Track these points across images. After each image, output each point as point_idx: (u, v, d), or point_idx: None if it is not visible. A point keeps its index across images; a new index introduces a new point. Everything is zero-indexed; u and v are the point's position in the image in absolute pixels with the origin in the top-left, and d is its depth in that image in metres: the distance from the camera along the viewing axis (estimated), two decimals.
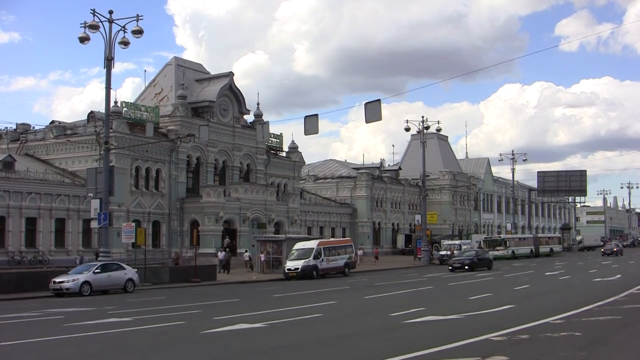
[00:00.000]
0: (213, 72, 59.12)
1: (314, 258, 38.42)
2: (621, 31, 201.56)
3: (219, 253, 43.09)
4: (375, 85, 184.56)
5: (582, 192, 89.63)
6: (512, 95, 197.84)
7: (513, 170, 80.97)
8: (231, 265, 46.38)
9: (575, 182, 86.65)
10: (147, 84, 57.91)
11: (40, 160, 49.03)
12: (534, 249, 68.28)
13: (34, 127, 53.79)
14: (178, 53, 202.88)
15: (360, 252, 45.64)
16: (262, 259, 42.40)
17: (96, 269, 28.00)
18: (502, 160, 79.05)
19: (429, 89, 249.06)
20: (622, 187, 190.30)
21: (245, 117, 58.29)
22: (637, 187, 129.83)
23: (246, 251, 47.12)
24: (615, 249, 67.07)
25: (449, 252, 56.82)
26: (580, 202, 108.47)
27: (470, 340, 11.99)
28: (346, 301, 22.90)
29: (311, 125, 24.04)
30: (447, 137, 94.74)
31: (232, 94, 56.12)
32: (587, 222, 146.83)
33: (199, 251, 41.83)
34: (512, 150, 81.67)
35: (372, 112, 22.17)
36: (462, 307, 18.44)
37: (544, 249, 70.74)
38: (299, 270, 37.43)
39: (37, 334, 14.73)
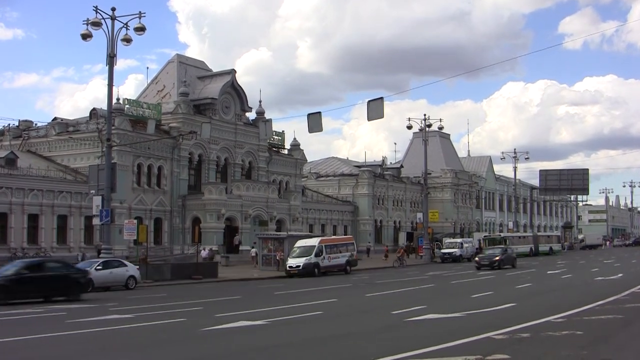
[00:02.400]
0: (216, 69, 59.17)
1: (316, 256, 38.44)
2: (625, 29, 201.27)
3: (202, 251, 42.86)
4: (378, 83, 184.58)
5: (584, 190, 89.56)
6: (515, 93, 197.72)
7: (515, 168, 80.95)
8: (232, 262, 46.48)
9: (577, 180, 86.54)
10: (149, 81, 57.98)
11: (42, 157, 49.09)
12: (533, 248, 68.34)
13: (36, 124, 53.93)
14: (181, 50, 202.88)
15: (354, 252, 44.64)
16: (278, 257, 41.58)
17: (98, 265, 28.08)
18: (504, 158, 79.01)
19: (432, 87, 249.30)
20: (624, 186, 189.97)
21: (247, 114, 58.28)
22: None
23: (252, 247, 47.26)
24: (496, 258, 42.39)
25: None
26: (582, 201, 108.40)
27: (472, 339, 11.98)
28: (347, 299, 22.91)
29: (314, 122, 24.06)
30: (449, 135, 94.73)
31: (234, 91, 56.15)
32: (589, 220, 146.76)
33: (200, 248, 41.88)
34: (515, 149, 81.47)
35: (375, 110, 22.19)
36: (463, 305, 18.44)
37: (543, 247, 70.75)
38: (301, 267, 37.48)
39: (39, 330, 14.74)
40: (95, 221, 31.79)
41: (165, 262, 40.86)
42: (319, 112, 24.14)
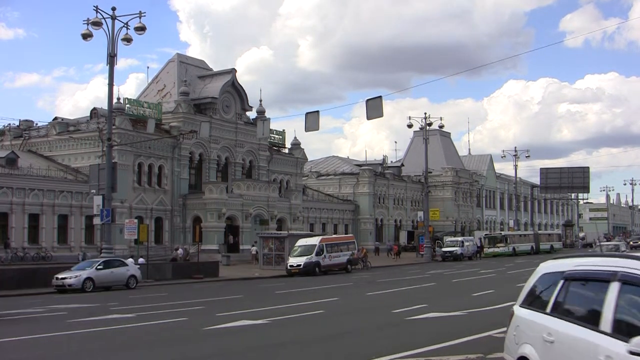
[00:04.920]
0: (217, 68, 59.40)
1: (317, 255, 38.47)
2: (626, 26, 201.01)
3: (176, 251, 42.70)
4: (379, 81, 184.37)
5: (585, 188, 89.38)
6: (516, 91, 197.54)
7: (515, 166, 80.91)
8: (233, 261, 46.48)
9: (578, 178, 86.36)
10: (150, 81, 58.00)
11: (43, 157, 49.13)
12: (534, 246, 68.35)
13: (37, 124, 53.99)
14: (182, 49, 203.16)
15: (355, 250, 44.51)
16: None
17: (99, 265, 28.09)
18: (505, 156, 79.04)
19: (433, 85, 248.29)
20: (625, 184, 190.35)
21: (248, 113, 58.29)
22: None
23: (253, 246, 47.32)
24: None
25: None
26: (583, 199, 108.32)
27: (473, 337, 11.99)
28: (348, 298, 22.91)
29: (312, 121, 23.99)
30: (449, 133, 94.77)
31: (235, 90, 56.15)
32: (590, 218, 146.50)
33: (201, 247, 41.89)
34: (515, 147, 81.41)
35: (374, 108, 22.13)
36: (464, 303, 18.43)
37: (544, 245, 70.73)
38: (302, 266, 37.51)
39: (41, 330, 14.75)
40: (96, 221, 31.81)
41: (165, 261, 40.91)
42: (317, 111, 24.03)
